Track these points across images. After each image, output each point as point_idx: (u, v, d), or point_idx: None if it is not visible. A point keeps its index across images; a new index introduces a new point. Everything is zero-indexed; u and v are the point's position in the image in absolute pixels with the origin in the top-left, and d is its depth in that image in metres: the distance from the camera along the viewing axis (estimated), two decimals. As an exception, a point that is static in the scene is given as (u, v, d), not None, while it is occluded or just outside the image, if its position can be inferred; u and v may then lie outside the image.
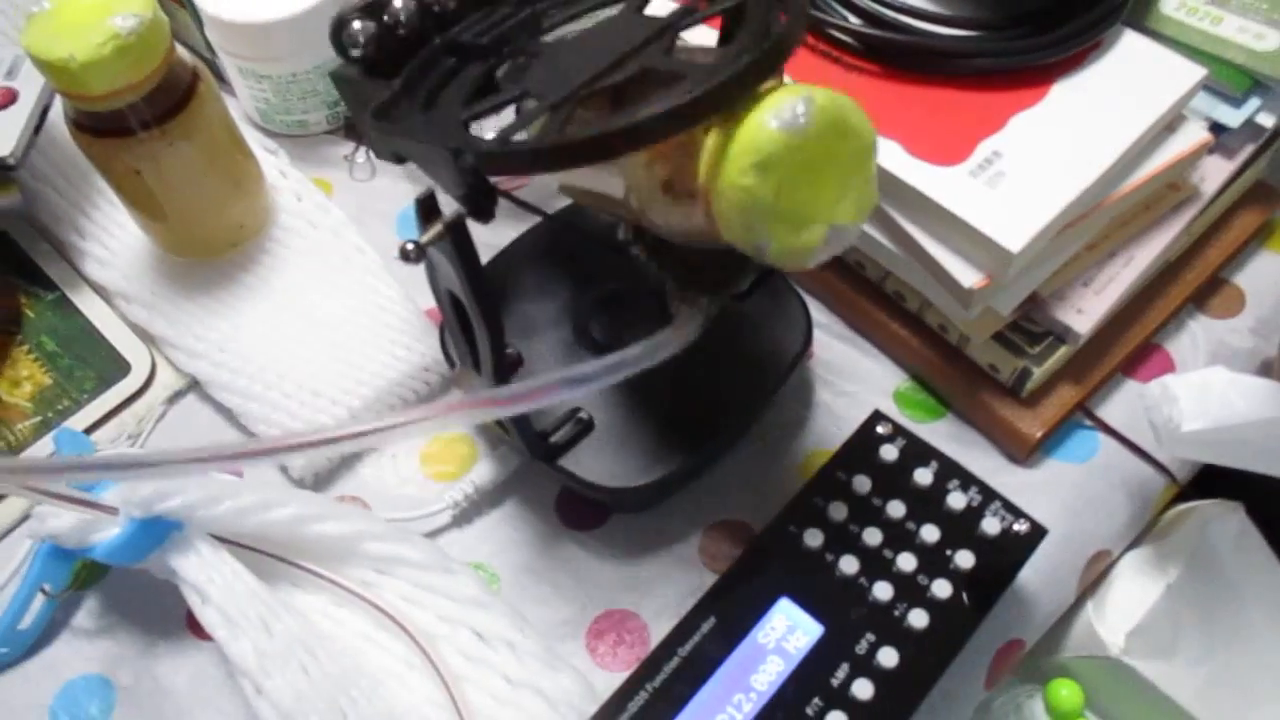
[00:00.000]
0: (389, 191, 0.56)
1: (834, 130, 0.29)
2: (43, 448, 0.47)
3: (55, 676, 0.42)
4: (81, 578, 0.44)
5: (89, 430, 0.48)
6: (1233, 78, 0.48)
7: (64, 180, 0.53)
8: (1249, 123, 0.49)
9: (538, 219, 0.48)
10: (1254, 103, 0.49)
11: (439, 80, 0.35)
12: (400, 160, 0.35)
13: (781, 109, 0.28)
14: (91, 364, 0.50)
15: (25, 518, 0.45)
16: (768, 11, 0.32)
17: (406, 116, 0.33)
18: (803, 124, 0.28)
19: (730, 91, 0.28)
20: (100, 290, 0.52)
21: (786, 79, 0.34)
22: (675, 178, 0.31)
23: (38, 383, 0.49)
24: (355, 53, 0.35)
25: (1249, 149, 0.50)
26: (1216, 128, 0.49)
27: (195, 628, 0.43)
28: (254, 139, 0.55)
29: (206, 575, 0.39)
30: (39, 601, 0.42)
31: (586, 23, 0.37)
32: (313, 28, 0.53)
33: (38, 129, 0.50)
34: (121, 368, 0.50)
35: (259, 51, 0.54)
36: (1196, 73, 0.46)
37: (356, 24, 0.35)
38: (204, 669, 0.42)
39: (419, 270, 0.40)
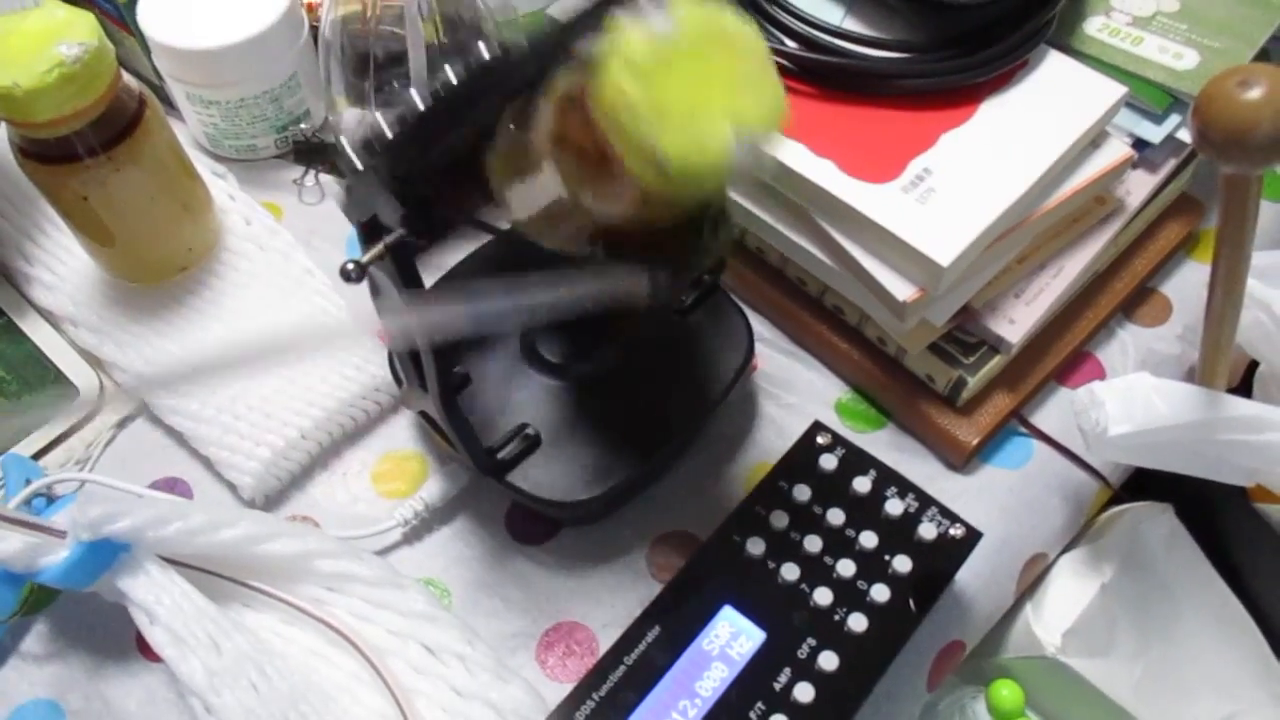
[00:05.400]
0: (338, 214, 0.56)
1: (706, 32, 0.29)
2: (-10, 474, 0.47)
3: (4, 702, 0.42)
4: (30, 602, 0.44)
5: (37, 456, 0.48)
6: (1153, 96, 0.50)
7: (10, 206, 0.53)
8: (1170, 138, 0.51)
9: (486, 238, 0.49)
10: (1174, 119, 0.51)
11: None
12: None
13: (644, 20, 0.29)
14: (39, 389, 0.50)
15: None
16: None
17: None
18: (666, 26, 0.28)
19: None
20: (48, 315, 0.52)
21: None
22: (580, 136, 0.31)
23: (-15, 409, 0.49)
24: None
25: (1171, 163, 0.52)
26: (1139, 144, 0.51)
27: (145, 649, 0.43)
28: (202, 164, 0.55)
29: (155, 596, 0.39)
30: (-13, 627, 0.42)
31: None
32: (260, 54, 0.54)
33: (-17, 156, 0.51)
34: (70, 393, 0.50)
35: (207, 78, 0.54)
36: (1118, 91, 0.48)
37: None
38: (155, 691, 0.42)
39: (368, 292, 0.40)
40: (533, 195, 0.38)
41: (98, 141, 0.45)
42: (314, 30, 0.56)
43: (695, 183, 0.29)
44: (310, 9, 0.58)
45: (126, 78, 0.46)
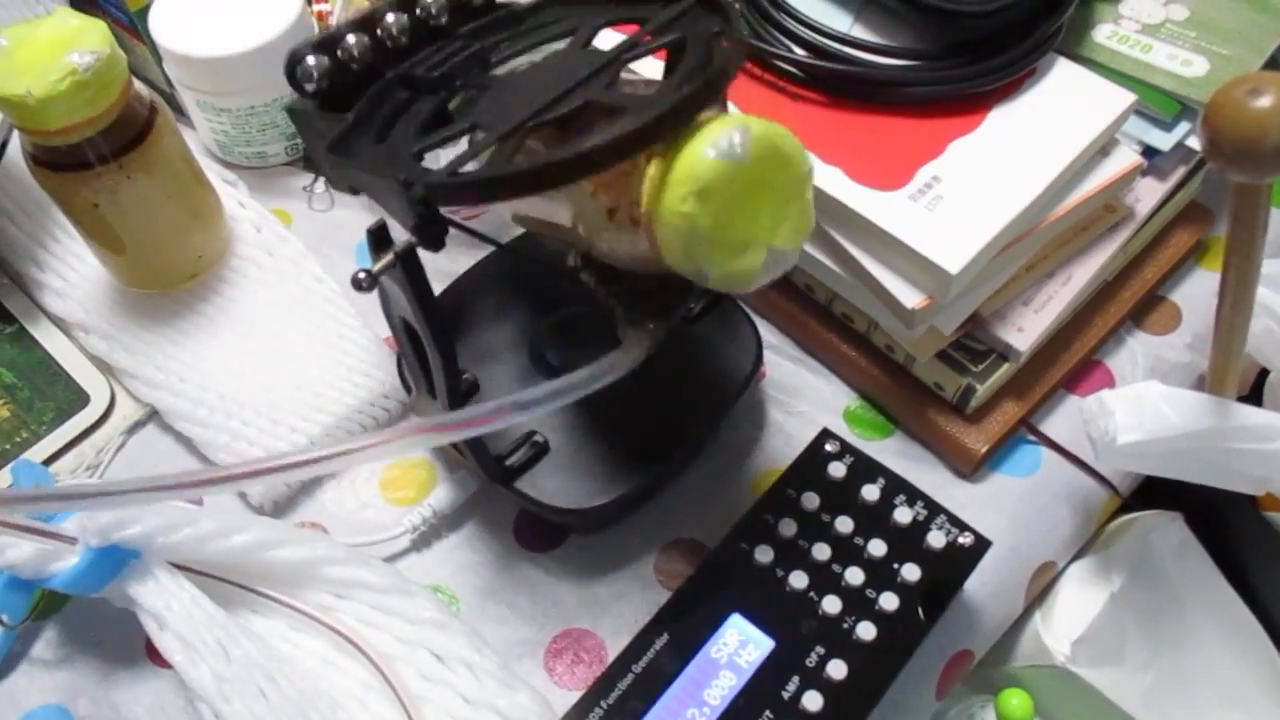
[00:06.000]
0: (348, 222, 0.57)
1: (770, 159, 0.30)
2: (0, 480, 0.47)
3: (14, 708, 0.42)
4: (40, 608, 0.44)
5: (48, 461, 0.48)
6: (1162, 103, 0.50)
7: (22, 213, 0.54)
8: (1179, 146, 0.51)
9: (492, 248, 0.49)
10: (1184, 126, 0.51)
11: (391, 113, 0.36)
12: (355, 192, 0.36)
13: (719, 139, 0.29)
14: (50, 396, 0.50)
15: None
16: (708, 45, 0.33)
17: (360, 149, 0.34)
18: (739, 153, 0.29)
19: (668, 122, 0.30)
20: (59, 322, 0.52)
21: (731, 108, 0.35)
22: (619, 205, 0.33)
23: (-4, 415, 0.50)
24: (310, 87, 0.36)
25: (1181, 171, 0.52)
26: (1149, 151, 0.51)
27: (155, 656, 0.43)
28: (213, 171, 0.55)
29: (164, 602, 0.39)
30: (-3, 633, 0.42)
31: (535, 57, 0.38)
32: (271, 61, 0.54)
33: (-5, 163, 0.51)
34: (81, 399, 0.50)
35: (217, 85, 0.54)
36: (1127, 98, 0.48)
37: (310, 59, 0.35)
38: (163, 697, 0.42)
39: (377, 298, 0.40)
40: (538, 207, 0.39)
41: (109, 149, 0.45)
42: (324, 38, 0.57)
43: (722, 288, 0.32)
44: (320, 17, 0.58)
45: (138, 85, 0.46)
